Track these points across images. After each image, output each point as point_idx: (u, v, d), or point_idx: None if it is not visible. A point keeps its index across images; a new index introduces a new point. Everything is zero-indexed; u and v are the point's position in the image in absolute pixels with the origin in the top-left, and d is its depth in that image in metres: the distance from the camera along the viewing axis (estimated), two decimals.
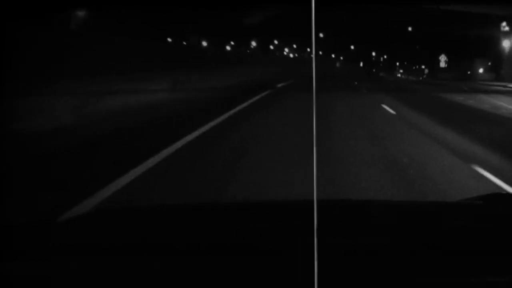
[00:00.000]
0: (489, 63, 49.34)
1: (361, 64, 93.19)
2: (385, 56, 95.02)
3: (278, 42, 60.67)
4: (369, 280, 0.99)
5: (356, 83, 31.06)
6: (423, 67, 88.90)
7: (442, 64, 58.71)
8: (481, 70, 49.60)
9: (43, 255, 1.10)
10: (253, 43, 54.92)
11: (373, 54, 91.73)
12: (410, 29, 56.53)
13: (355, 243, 1.14)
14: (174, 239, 1.21)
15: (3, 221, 2.22)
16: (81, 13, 15.74)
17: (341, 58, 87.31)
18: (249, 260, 1.05)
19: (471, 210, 1.60)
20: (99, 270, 1.04)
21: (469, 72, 50.53)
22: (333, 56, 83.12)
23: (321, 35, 61.10)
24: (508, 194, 2.54)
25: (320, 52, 75.13)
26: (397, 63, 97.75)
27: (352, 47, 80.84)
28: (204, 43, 41.76)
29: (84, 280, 1.01)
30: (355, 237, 1.19)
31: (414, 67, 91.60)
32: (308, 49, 70.43)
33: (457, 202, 1.92)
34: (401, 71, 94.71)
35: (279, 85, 23.74)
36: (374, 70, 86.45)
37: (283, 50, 66.56)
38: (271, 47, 61.57)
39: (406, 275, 1.01)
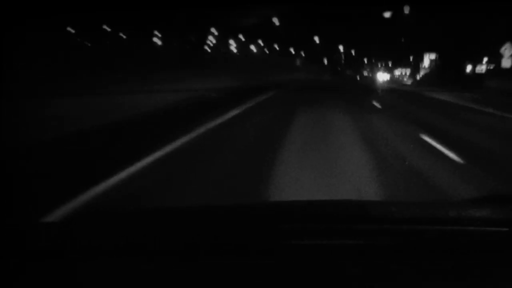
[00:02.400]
0: None
1: (325, 61, 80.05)
2: (352, 52, 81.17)
3: (219, 33, 43.43)
4: (370, 282, 0.98)
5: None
6: (389, 64, 77.48)
7: (508, 63, 28.10)
8: None
9: (32, 257, 1.09)
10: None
11: (341, 49, 77.44)
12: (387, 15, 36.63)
13: (355, 244, 1.12)
14: (169, 241, 1.18)
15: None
16: None
17: (303, 54, 71.28)
18: (247, 262, 1.05)
19: (471, 211, 1.58)
20: (93, 273, 1.03)
21: None
22: (292, 50, 66.57)
23: (276, 22, 44.74)
24: (508, 195, 2.31)
25: (276, 46, 58.89)
26: (365, 60, 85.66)
27: (316, 38, 64.62)
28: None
29: (77, 282, 1.00)
30: (354, 239, 1.17)
31: (380, 65, 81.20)
32: (261, 42, 54.40)
33: (457, 202, 1.85)
34: (368, 69, 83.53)
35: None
36: (339, 69, 75.03)
37: (228, 45, 49.46)
38: (212, 41, 44.39)
39: (408, 277, 1.01)
